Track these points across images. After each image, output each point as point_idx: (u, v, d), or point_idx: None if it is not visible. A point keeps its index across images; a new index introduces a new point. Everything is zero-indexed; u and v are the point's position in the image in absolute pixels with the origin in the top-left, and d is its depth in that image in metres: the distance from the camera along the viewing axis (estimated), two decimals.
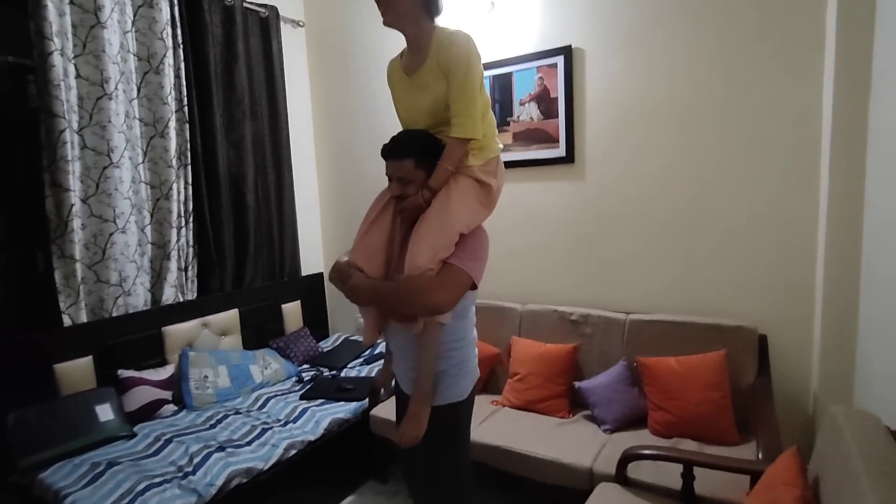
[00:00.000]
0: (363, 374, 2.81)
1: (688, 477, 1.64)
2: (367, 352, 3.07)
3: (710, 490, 1.65)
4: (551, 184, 2.68)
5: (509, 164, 2.75)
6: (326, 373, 2.86)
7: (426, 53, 1.34)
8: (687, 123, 2.29)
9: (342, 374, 2.83)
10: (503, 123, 2.76)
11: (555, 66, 2.57)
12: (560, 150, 2.62)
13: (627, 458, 1.73)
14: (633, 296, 2.50)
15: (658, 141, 2.37)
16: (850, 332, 1.93)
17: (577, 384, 2.31)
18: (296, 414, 2.35)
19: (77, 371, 2.18)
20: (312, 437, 2.20)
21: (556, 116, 2.61)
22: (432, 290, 1.27)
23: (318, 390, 2.57)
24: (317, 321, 3.38)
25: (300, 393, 2.58)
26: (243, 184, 2.95)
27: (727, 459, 1.65)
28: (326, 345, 3.24)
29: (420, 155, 1.33)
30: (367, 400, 2.48)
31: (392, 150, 1.35)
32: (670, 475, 1.72)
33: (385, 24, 1.36)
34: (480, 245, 1.41)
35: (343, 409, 2.41)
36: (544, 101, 2.64)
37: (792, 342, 2.17)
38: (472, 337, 1.48)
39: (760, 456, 1.64)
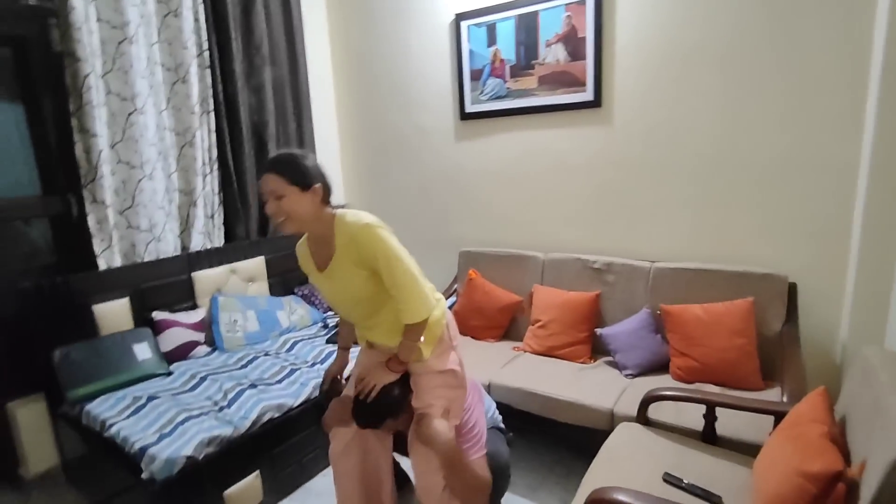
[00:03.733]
0: None
1: (710, 417, 1.65)
2: None
3: (732, 431, 1.67)
4: (577, 129, 2.60)
5: (534, 110, 2.70)
6: None
7: (333, 245, 1.35)
8: (724, 62, 2.17)
9: None
10: (527, 67, 2.67)
11: (583, 2, 2.43)
12: (587, 94, 2.53)
13: (650, 398, 1.75)
14: (658, 244, 2.46)
15: (692, 82, 2.26)
16: (885, 279, 1.88)
17: (598, 331, 2.32)
18: (322, 356, 2.43)
19: (114, 312, 2.27)
20: None
21: (584, 58, 2.50)
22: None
23: None
24: None
25: (326, 337, 2.66)
26: (265, 131, 2.94)
27: (751, 401, 1.66)
28: None
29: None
30: None
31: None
32: (692, 417, 1.74)
33: (286, 233, 1.35)
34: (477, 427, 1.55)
35: None
36: (572, 41, 2.52)
37: (822, 290, 2.13)
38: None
39: (785, 399, 1.65)
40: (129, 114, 2.34)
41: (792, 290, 2.11)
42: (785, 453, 1.21)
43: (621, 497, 1.22)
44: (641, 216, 2.50)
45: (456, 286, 2.93)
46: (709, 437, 1.66)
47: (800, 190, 2.12)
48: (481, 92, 2.85)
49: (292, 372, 2.27)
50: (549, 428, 2.09)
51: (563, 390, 2.05)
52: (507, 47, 2.72)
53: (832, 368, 2.13)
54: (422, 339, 1.41)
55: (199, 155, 2.63)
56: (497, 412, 1.81)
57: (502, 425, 1.80)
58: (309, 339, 2.66)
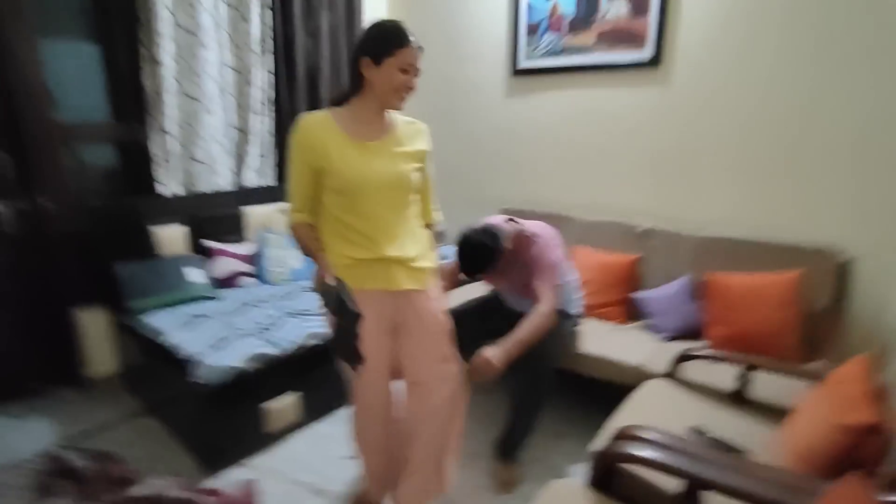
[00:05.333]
0: None
1: (744, 380, 1.64)
2: None
3: (765, 396, 1.65)
4: (632, 90, 2.53)
5: (589, 68, 2.63)
6: None
7: (392, 125, 1.44)
8: (805, 18, 2.04)
9: None
10: (586, 22, 2.59)
11: None
12: (646, 53, 2.44)
13: (684, 357, 1.75)
14: (707, 211, 2.40)
15: (766, 42, 2.14)
16: None
17: (635, 294, 2.31)
18: None
19: (171, 236, 2.41)
20: None
21: (647, 12, 2.40)
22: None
23: None
24: None
25: None
26: (318, 76, 2.98)
27: (790, 366, 1.63)
28: None
29: None
30: None
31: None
32: (723, 379, 1.73)
33: (401, 107, 1.42)
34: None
35: None
36: None
37: (877, 271, 2.03)
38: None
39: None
40: (194, 48, 2.42)
41: (845, 267, 2.03)
42: (820, 408, 1.20)
43: (649, 435, 1.24)
44: (693, 182, 2.43)
45: None
46: (740, 398, 1.65)
47: (869, 165, 2.00)
48: (536, 47, 2.79)
49: None
50: (579, 384, 2.12)
51: (594, 347, 2.07)
52: (566, 0, 2.64)
53: (879, 352, 2.06)
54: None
55: (257, 94, 2.71)
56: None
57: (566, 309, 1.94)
58: None
